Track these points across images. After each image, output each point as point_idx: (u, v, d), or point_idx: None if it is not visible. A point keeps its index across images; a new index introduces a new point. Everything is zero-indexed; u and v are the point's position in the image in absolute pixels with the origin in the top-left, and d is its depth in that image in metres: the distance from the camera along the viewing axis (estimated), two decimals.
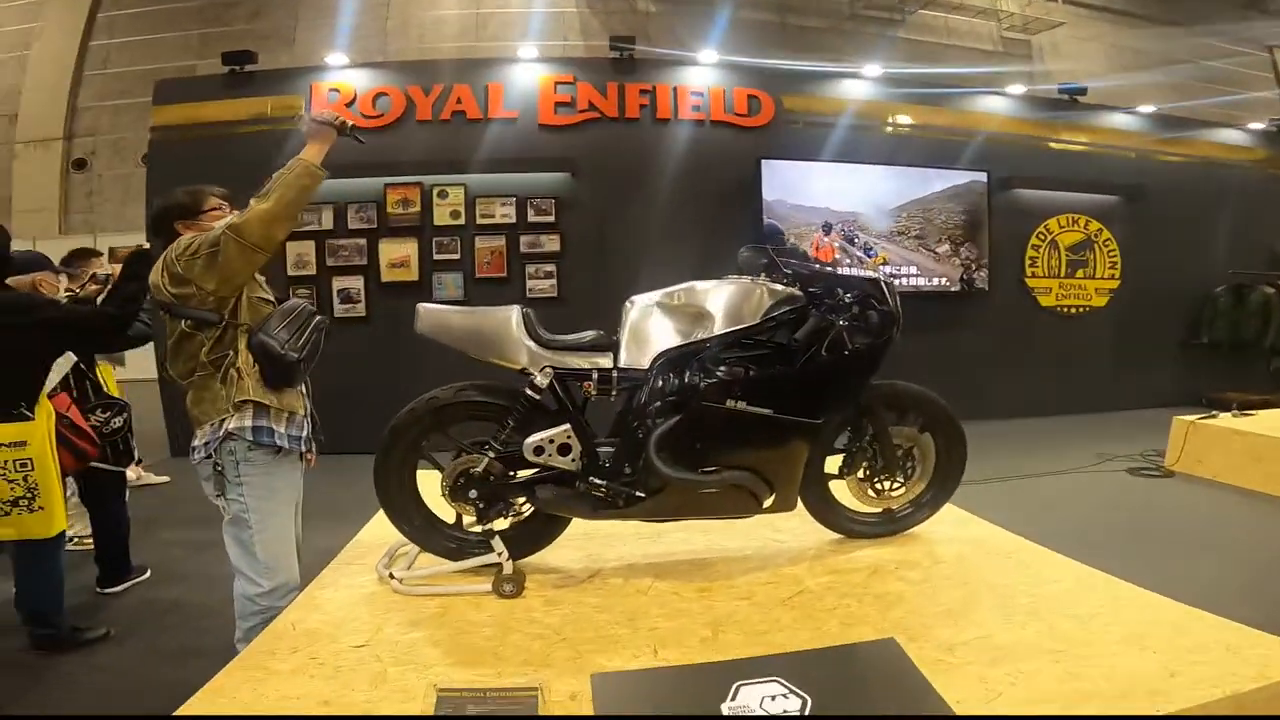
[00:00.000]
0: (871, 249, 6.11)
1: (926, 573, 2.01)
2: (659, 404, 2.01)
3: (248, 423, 2.06)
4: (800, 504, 2.15)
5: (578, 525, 2.17)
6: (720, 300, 2.05)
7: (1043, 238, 6.82)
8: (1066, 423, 6.37)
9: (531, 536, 2.15)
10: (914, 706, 1.26)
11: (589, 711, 1.32)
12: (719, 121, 5.95)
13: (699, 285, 2.09)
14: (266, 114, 5.60)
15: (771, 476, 2.02)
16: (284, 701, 1.46)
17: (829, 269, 2.21)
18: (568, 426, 2.01)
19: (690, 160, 5.86)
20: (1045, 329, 6.86)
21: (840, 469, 2.23)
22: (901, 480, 2.26)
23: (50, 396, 2.59)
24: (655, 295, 2.10)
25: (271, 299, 2.21)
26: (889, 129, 6.45)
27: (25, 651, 2.64)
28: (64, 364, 2.94)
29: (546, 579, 2.06)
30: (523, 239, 5.64)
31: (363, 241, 5.61)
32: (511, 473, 2.06)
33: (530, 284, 5.65)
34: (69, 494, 3.00)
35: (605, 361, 2.04)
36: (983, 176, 6.42)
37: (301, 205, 2.11)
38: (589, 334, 2.10)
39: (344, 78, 5.72)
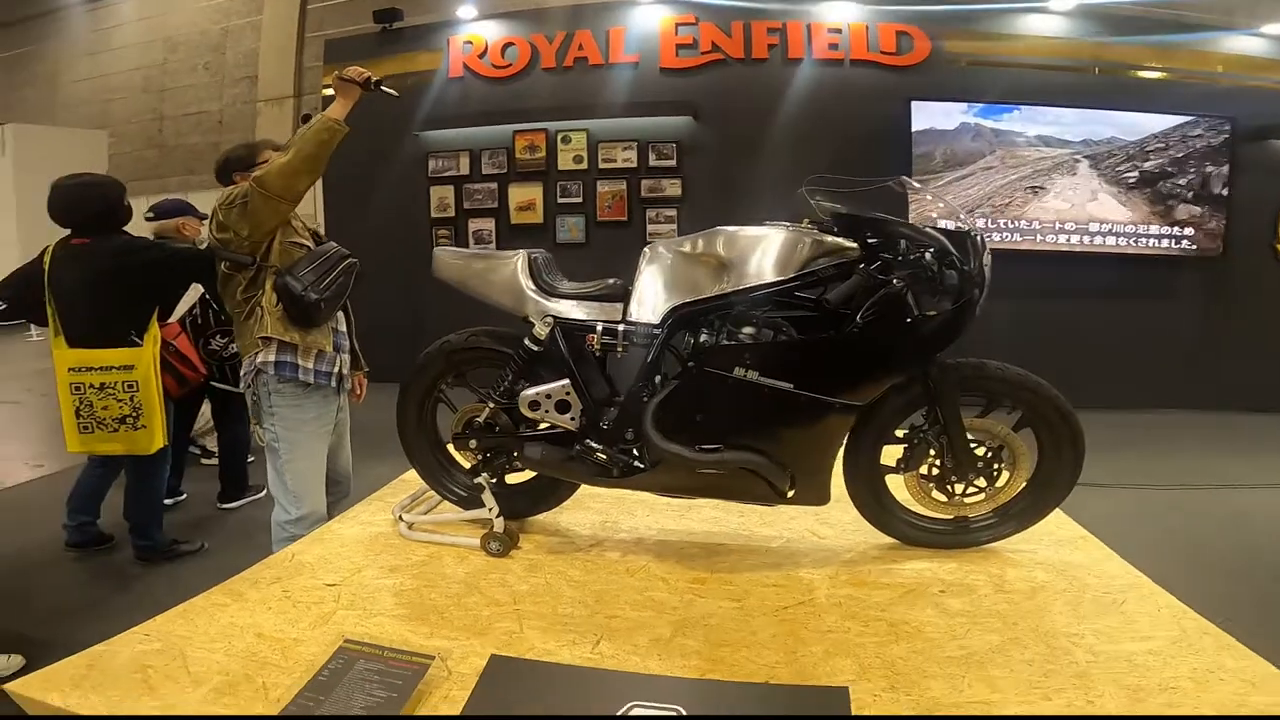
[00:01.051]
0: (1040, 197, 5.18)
1: (975, 602, 1.59)
2: (667, 365, 1.76)
3: (271, 358, 2.15)
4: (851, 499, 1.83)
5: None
6: (747, 250, 1.72)
7: None
8: None
9: (539, 494, 2.02)
10: None
11: (468, 690, 1.17)
12: (860, 60, 5.30)
13: (727, 230, 1.77)
14: (413, 69, 5.84)
15: (790, 462, 1.70)
16: (227, 631, 1.46)
17: (890, 217, 1.75)
18: (566, 382, 1.83)
19: (825, 102, 5.30)
20: None
21: (898, 462, 1.81)
22: (983, 484, 1.80)
23: (162, 326, 2.87)
24: (677, 241, 1.82)
25: (307, 244, 2.24)
26: (1081, 68, 5.34)
27: (129, 562, 3.02)
28: (190, 295, 3.25)
29: (545, 541, 1.94)
30: (644, 183, 5.49)
31: (494, 186, 5.76)
32: (519, 425, 1.93)
33: (650, 228, 5.53)
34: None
35: (614, 314, 1.82)
36: (1222, 124, 5.15)
37: (321, 158, 2.11)
38: (607, 282, 1.88)
39: (476, 30, 5.78)
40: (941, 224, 1.78)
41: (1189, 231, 5.24)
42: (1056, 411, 1.74)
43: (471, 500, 2.02)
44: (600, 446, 1.79)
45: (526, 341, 1.85)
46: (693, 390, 1.69)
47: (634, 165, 5.52)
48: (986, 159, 5.23)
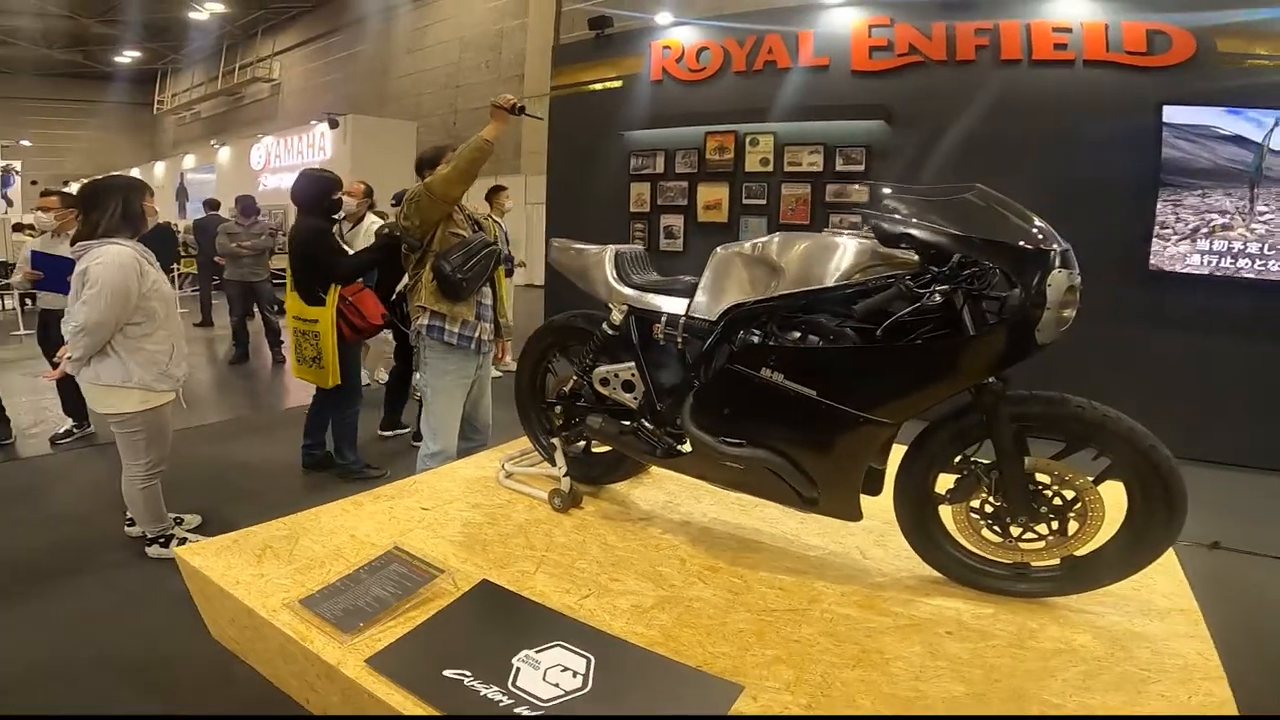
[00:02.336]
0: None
1: (975, 650, 1.46)
2: (715, 359, 1.86)
3: (425, 321, 2.69)
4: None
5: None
6: (798, 256, 1.74)
7: None
8: None
9: (612, 465, 2.23)
10: None
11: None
12: (1097, 61, 4.61)
13: (785, 236, 1.80)
14: (621, 72, 6.30)
15: (811, 470, 1.69)
16: (334, 530, 1.87)
17: (939, 228, 1.63)
18: (632, 364, 2.01)
19: (1045, 107, 4.71)
20: None
21: (948, 492, 1.69)
22: (1044, 531, 1.62)
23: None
24: (741, 244, 1.88)
25: (464, 233, 2.72)
26: None
27: (332, 480, 3.77)
28: None
29: (606, 507, 2.14)
30: (829, 188, 5.34)
31: (684, 184, 6.00)
32: (595, 398, 2.15)
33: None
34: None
35: (680, 308, 1.94)
36: None
37: (472, 172, 2.60)
38: (681, 279, 2.02)
39: (674, 35, 6.04)
40: (1021, 240, 1.60)
41: None
42: (1149, 464, 1.51)
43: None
44: (651, 427, 1.95)
45: (604, 325, 2.06)
46: (723, 385, 1.76)
47: (819, 169, 5.41)
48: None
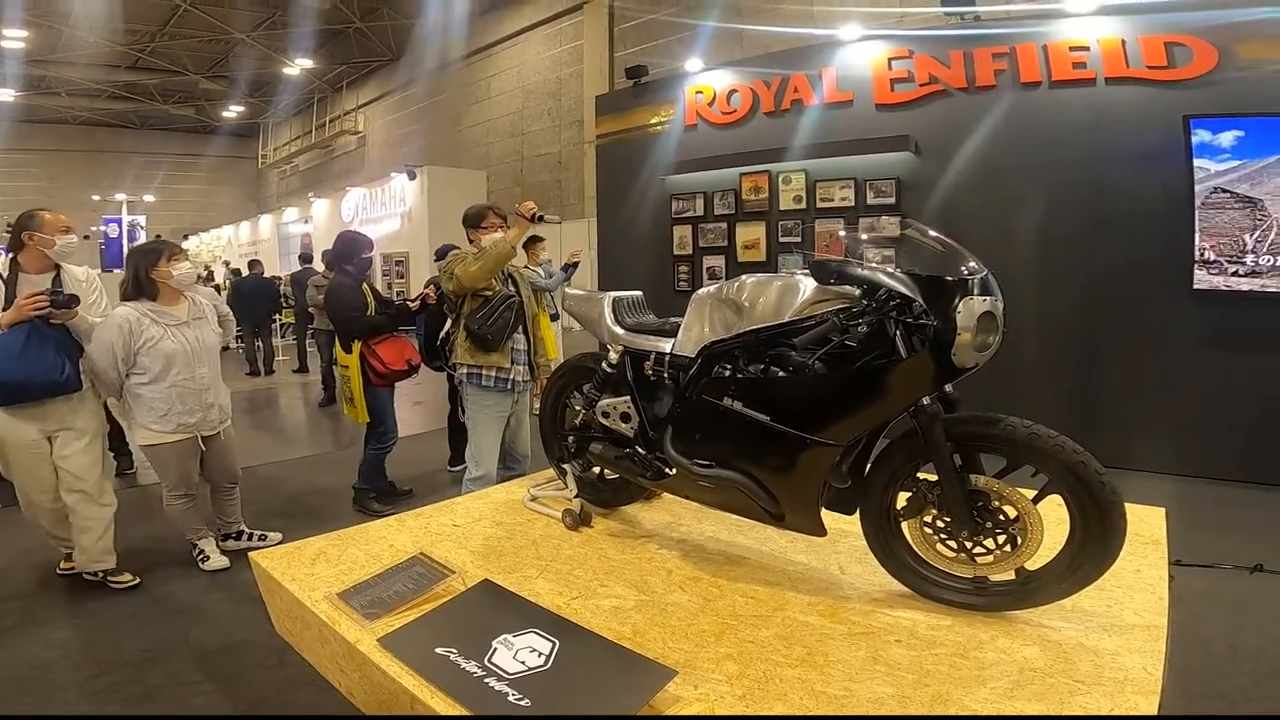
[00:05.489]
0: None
1: (916, 659, 1.57)
2: (693, 391, 2.10)
3: (464, 372, 3.14)
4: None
5: None
6: (757, 295, 1.97)
7: None
8: None
9: (619, 489, 2.49)
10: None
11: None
12: (1118, 78, 4.61)
13: (748, 278, 2.03)
14: (658, 118, 6.68)
15: (772, 488, 1.88)
16: (376, 541, 2.21)
17: (860, 264, 1.71)
18: (627, 398, 2.28)
19: (1072, 127, 4.74)
20: None
21: (903, 509, 1.84)
22: (992, 546, 1.73)
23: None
24: (716, 286, 2.12)
25: (488, 294, 3.13)
26: None
27: (391, 505, 4.14)
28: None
29: (614, 526, 2.39)
30: (861, 221, 5.47)
31: (724, 225, 6.26)
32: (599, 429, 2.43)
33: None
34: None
35: (665, 346, 2.20)
36: None
37: (495, 270, 3.08)
38: (669, 321, 2.29)
39: (706, 80, 6.36)
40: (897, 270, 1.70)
41: None
42: (1078, 479, 1.61)
43: (577, 483, 2.57)
44: (644, 452, 2.20)
45: (603, 364, 2.35)
46: (695, 413, 2.00)
47: (851, 203, 5.56)
48: None
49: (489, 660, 1.41)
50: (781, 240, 5.93)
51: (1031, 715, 1.33)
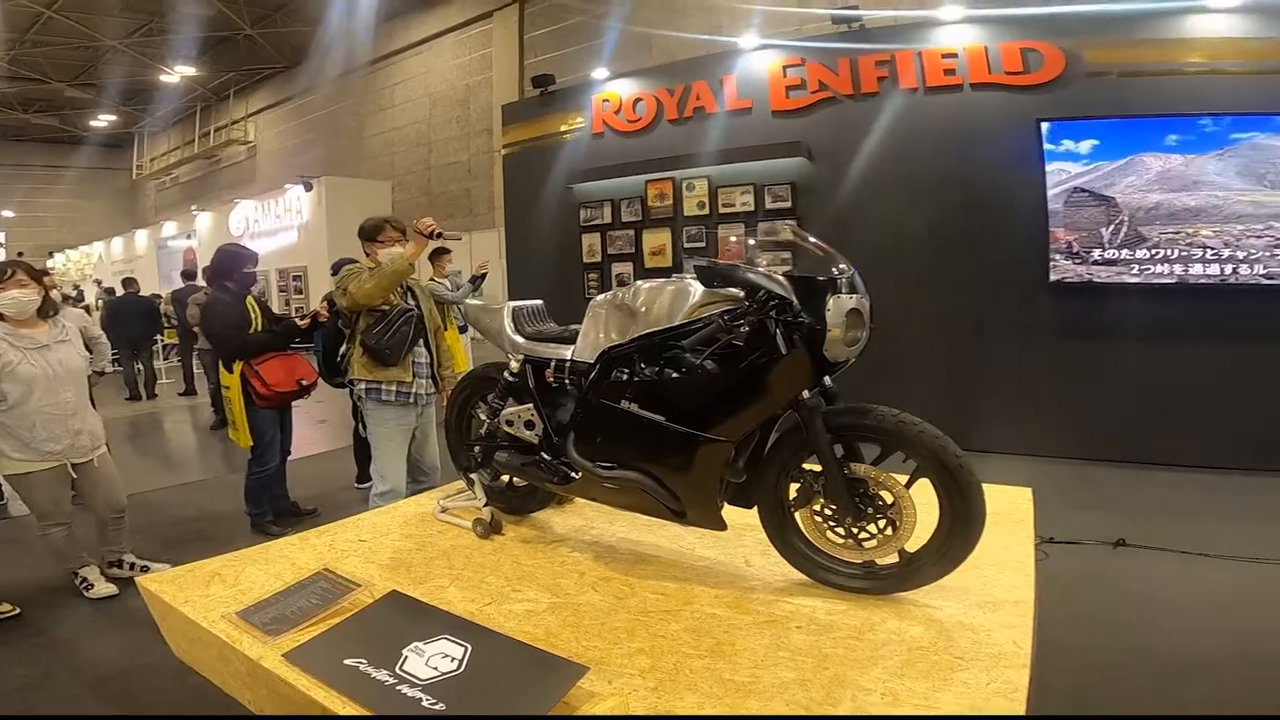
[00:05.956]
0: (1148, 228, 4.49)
1: (816, 643, 1.66)
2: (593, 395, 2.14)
3: (362, 388, 3.08)
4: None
5: None
6: (649, 300, 2.04)
7: None
8: None
9: (528, 495, 2.51)
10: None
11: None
12: (981, 84, 5.05)
13: (640, 284, 2.10)
14: (566, 126, 6.72)
15: (673, 486, 1.94)
16: (277, 560, 2.13)
17: (739, 265, 1.78)
18: (530, 406, 2.30)
19: (943, 131, 5.13)
20: None
21: (794, 499, 1.93)
22: (874, 530, 1.84)
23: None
24: (614, 293, 2.18)
25: (386, 308, 3.06)
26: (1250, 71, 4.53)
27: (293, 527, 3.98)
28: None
29: (525, 532, 2.40)
30: (760, 225, 5.68)
31: (631, 232, 6.40)
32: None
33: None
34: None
35: (566, 353, 2.23)
36: None
37: (392, 287, 3.03)
38: (569, 328, 2.33)
39: (612, 88, 6.47)
40: (770, 270, 1.83)
41: None
42: (939, 463, 1.72)
43: (486, 491, 2.54)
44: (548, 458, 2.22)
45: (505, 373, 2.36)
46: (595, 417, 2.04)
47: (751, 208, 5.80)
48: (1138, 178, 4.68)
49: (400, 668, 1.40)
50: (686, 246, 6.09)
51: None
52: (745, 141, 5.77)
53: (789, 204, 5.68)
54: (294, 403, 4.02)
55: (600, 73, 6.75)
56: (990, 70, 5.05)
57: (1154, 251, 4.68)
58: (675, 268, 6.16)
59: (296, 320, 3.99)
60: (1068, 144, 4.83)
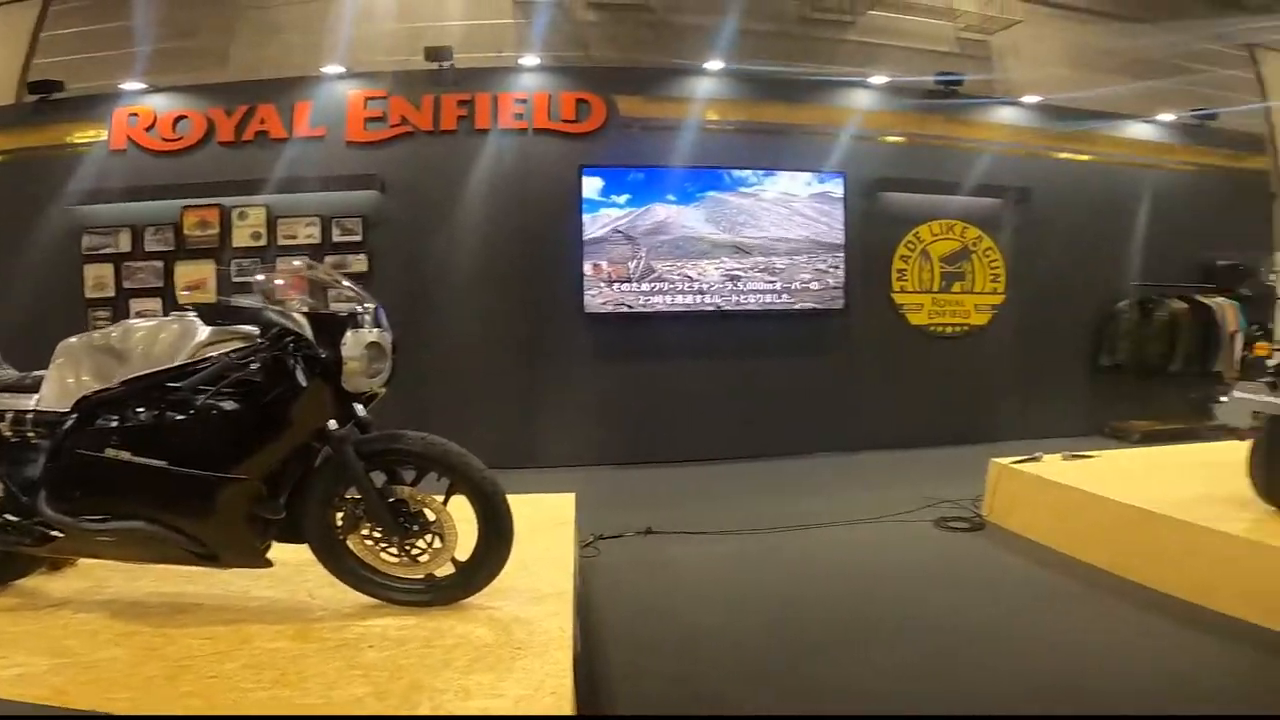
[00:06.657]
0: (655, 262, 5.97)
1: (391, 657, 1.79)
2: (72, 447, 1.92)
3: None
4: None
5: None
6: (146, 341, 1.96)
7: (912, 247, 6.53)
8: (926, 458, 5.89)
9: (3, 561, 2.10)
10: None
11: None
12: (542, 130, 5.85)
13: (128, 323, 2.04)
14: (71, 140, 5.72)
15: (191, 531, 1.88)
16: None
17: (251, 305, 1.99)
18: None
19: (508, 172, 5.79)
20: (916, 351, 6.55)
21: (340, 527, 2.03)
22: (424, 545, 2.02)
23: None
24: (90, 335, 2.04)
25: None
26: (730, 128, 6.19)
27: None
28: None
29: (13, 601, 2.07)
30: (328, 259, 5.54)
31: (159, 264, 5.66)
32: None
33: (335, 306, 5.50)
34: None
35: (28, 403, 2.00)
36: (838, 179, 6.15)
37: None
38: (31, 375, 2.07)
39: (145, 102, 5.76)
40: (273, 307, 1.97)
41: (814, 287, 6.19)
42: (464, 476, 1.98)
43: None
44: (17, 519, 1.93)
45: None
46: (72, 470, 1.87)
47: (318, 241, 5.64)
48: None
49: None
50: (235, 280, 5.55)
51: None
52: (315, 171, 5.61)
53: (359, 237, 5.67)
54: None
55: (133, 84, 5.73)
56: (550, 117, 5.85)
57: (658, 285, 6.01)
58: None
59: None
60: (611, 190, 5.90)
